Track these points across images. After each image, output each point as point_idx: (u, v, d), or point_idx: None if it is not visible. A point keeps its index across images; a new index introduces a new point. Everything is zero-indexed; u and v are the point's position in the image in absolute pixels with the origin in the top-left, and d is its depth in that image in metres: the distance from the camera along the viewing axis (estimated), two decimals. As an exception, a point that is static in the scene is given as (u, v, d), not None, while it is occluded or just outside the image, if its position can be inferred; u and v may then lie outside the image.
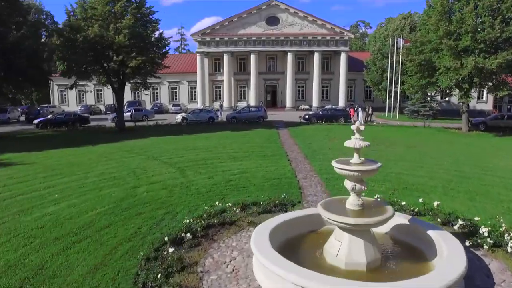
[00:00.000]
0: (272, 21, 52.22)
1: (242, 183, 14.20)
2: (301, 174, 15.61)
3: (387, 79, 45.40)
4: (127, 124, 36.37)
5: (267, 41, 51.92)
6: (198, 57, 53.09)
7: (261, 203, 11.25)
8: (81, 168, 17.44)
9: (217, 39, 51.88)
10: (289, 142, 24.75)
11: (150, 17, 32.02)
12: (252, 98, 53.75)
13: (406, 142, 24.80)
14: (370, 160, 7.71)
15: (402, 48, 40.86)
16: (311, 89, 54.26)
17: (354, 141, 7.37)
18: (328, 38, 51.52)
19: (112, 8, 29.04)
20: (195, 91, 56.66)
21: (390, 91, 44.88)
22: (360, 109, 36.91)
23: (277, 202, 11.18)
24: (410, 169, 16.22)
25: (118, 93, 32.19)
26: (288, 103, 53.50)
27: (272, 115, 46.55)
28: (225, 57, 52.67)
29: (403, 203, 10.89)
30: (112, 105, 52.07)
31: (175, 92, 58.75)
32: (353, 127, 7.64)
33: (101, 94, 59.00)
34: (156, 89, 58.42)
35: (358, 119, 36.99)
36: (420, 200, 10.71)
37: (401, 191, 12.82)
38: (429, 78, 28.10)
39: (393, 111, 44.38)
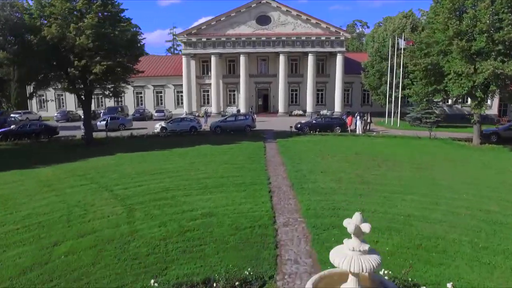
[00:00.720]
0: (263, 20, 48.62)
1: (202, 235, 10.64)
2: (282, 217, 12.07)
3: (386, 83, 41.88)
4: (101, 135, 32.73)
5: (257, 41, 48.32)
6: (184, 59, 49.39)
7: (214, 286, 7.70)
8: (5, 205, 13.80)
9: (204, 39, 48.23)
10: (275, 161, 21.18)
11: (122, 15, 28.39)
12: (242, 103, 50.15)
13: (413, 161, 21.24)
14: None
15: (403, 49, 37.35)
16: (305, 93, 50.71)
17: (350, 258, 3.80)
18: (323, 38, 47.96)
19: (73, 5, 25.37)
20: (182, 96, 52.97)
21: (390, 96, 41.36)
22: (358, 117, 33.37)
23: (237, 284, 7.64)
24: (423, 209, 12.66)
25: (84, 102, 28.51)
26: (281, 108, 49.92)
27: (263, 122, 42.99)
28: (213, 59, 49.02)
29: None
30: (93, 112, 48.29)
31: (161, 97, 55.04)
32: (349, 227, 4.10)
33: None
34: (140, 93, 54.75)
35: (356, 128, 33.52)
36: (449, 285, 7.08)
37: (415, 255, 9.26)
38: (436, 85, 24.58)
39: (393, 117, 40.88)
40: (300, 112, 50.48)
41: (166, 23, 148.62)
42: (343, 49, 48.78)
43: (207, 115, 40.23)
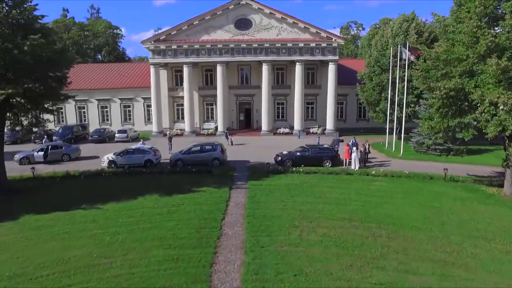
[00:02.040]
0: (243, 24, 41.79)
1: None
2: None
3: (386, 99, 35.27)
4: (39, 168, 25.81)
5: (236, 49, 41.50)
6: (152, 69, 42.50)
7: None
8: None
9: (174, 47, 41.37)
10: (233, 239, 14.54)
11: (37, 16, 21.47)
12: (220, 119, 43.38)
13: (433, 239, 14.56)
14: None
15: (411, 63, 30.79)
16: (293, 107, 44.06)
17: None
18: (312, 45, 41.22)
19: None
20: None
21: (391, 114, 34.80)
22: (354, 148, 26.65)
23: None
24: None
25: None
26: (264, 125, 43.15)
27: (241, 146, 36.26)
28: (185, 69, 42.17)
29: None
30: (45, 132, 41.33)
31: (129, 112, 48.13)
32: None
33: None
34: (106, 107, 47.81)
35: (353, 162, 26.65)
36: None
37: None
38: (460, 118, 17.95)
39: (395, 137, 34.20)
40: (287, 129, 43.77)
41: (160, 23, 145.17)
42: (336, 57, 42.07)
43: (170, 140, 33.31)
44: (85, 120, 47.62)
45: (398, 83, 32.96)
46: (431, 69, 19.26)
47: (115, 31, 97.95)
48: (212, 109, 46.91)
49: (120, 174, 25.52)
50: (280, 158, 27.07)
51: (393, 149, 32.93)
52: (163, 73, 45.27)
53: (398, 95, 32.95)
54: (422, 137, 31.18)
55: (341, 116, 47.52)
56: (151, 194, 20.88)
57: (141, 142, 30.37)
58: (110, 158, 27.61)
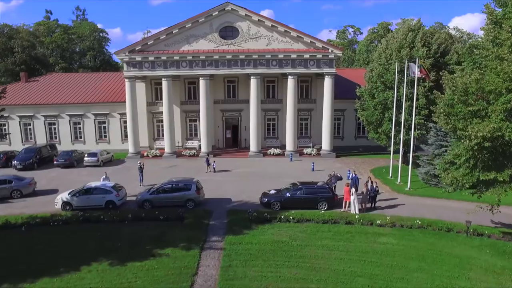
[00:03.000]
0: (229, 33, 37.35)
1: None
2: None
3: (390, 120, 31.00)
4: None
5: (221, 61, 37.05)
6: (127, 83, 37.96)
7: None
8: None
9: (152, 58, 36.87)
10: None
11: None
12: (204, 137, 38.94)
13: None
14: None
15: (418, 79, 26.63)
16: (285, 123, 39.75)
17: None
18: (306, 56, 36.84)
19: None
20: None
21: (396, 136, 30.55)
22: (354, 190, 22.25)
23: None
24: None
25: None
26: (253, 145, 38.74)
27: (225, 172, 31.85)
28: (164, 83, 37.67)
29: None
30: (5, 154, 36.74)
31: (104, 128, 43.52)
32: None
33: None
34: (78, 123, 43.14)
35: (352, 206, 22.25)
36: None
37: None
38: (496, 172, 13.66)
39: (400, 162, 29.88)
40: (278, 150, 39.36)
41: (157, 23, 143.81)
42: (333, 70, 37.71)
43: (141, 170, 28.74)
44: (55, 138, 42.97)
45: (404, 102, 28.70)
46: (456, 102, 14.92)
47: (101, 34, 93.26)
48: (195, 125, 42.39)
49: (72, 223, 20.93)
50: (266, 199, 22.63)
51: (399, 181, 28.60)
52: (141, 86, 40.80)
53: (404, 115, 28.67)
54: (432, 167, 26.87)
55: (337, 133, 43.15)
56: (100, 261, 16.40)
57: (104, 176, 25.91)
58: (65, 199, 23.09)
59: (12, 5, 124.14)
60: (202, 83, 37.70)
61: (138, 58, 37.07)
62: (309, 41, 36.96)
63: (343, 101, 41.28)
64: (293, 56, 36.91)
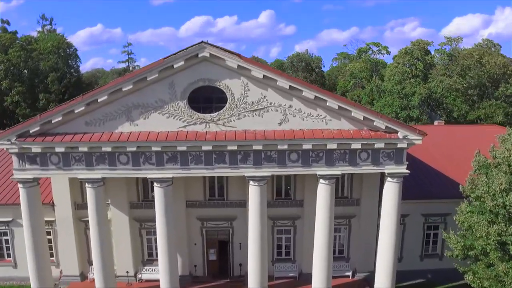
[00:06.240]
0: (206, 99, 19.76)
1: None
2: None
3: None
4: None
5: (194, 153, 19.53)
6: (22, 190, 20.49)
7: None
8: None
9: (61, 149, 19.44)
10: None
11: None
12: (165, 264, 21.48)
13: None
14: None
15: None
16: (306, 239, 22.71)
17: None
18: (355, 145, 19.29)
19: None
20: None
21: None
22: None
23: None
24: None
25: None
26: (254, 273, 21.28)
27: None
28: (90, 191, 20.24)
29: None
30: None
31: (6, 242, 26.13)
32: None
33: None
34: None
35: None
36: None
37: None
38: None
39: None
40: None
41: (159, 23, 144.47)
42: (403, 167, 20.04)
43: None
44: None
45: None
46: None
47: (68, 50, 75.88)
48: (156, 240, 24.70)
49: None
50: None
51: None
52: (63, 180, 23.29)
53: None
54: None
55: (401, 254, 25.58)
56: None
57: None
58: None
59: (13, 5, 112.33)
60: (158, 192, 20.11)
61: (36, 149, 19.50)
62: (361, 117, 19.22)
63: (404, 202, 23.61)
64: (331, 145, 19.25)
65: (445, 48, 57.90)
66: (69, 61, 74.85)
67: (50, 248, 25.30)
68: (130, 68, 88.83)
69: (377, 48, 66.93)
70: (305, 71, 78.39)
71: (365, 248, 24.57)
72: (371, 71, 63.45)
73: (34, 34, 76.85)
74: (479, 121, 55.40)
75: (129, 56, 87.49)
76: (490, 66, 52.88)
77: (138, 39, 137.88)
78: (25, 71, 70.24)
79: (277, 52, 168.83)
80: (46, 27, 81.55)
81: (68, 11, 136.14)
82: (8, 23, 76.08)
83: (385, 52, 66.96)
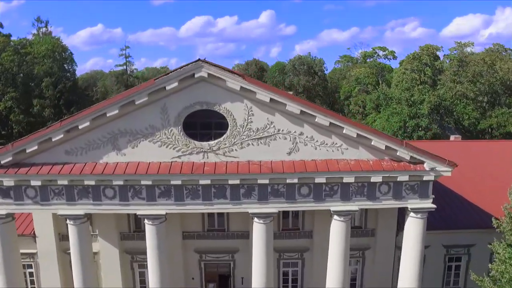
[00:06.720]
0: (204, 125, 17.29)
1: None
2: None
3: None
4: None
5: (190, 187, 17.06)
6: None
7: None
8: None
9: (37, 182, 16.99)
10: None
11: None
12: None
13: None
14: None
15: None
16: (317, 272, 20.25)
17: None
18: (375, 178, 16.81)
19: None
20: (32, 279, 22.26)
21: None
22: None
23: None
24: None
25: None
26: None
27: None
28: (71, 228, 17.79)
29: None
30: None
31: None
32: None
33: None
34: None
35: None
36: None
37: None
38: None
39: None
40: None
41: (159, 23, 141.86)
42: (428, 201, 17.57)
43: None
44: None
45: None
46: None
47: (64, 53, 73.37)
48: (147, 273, 22.19)
49: None
50: None
51: None
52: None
53: None
54: None
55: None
56: None
57: None
58: None
59: (14, 5, 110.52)
60: (149, 230, 17.62)
61: (9, 182, 16.98)
62: (382, 147, 16.68)
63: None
64: (347, 178, 16.71)
65: (455, 53, 55.27)
66: (65, 65, 72.32)
67: (32, 282, 23.00)
68: (128, 72, 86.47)
69: (384, 53, 64.06)
70: (307, 74, 75.83)
71: (379, 283, 22.17)
72: (377, 76, 60.84)
73: (30, 37, 74.42)
74: (491, 130, 52.85)
75: (127, 59, 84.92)
76: (503, 72, 50.32)
77: (138, 39, 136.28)
78: (20, 75, 67.81)
79: (277, 52, 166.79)
80: (41, 30, 78.97)
81: (68, 11, 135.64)
82: (1, 26, 73.36)
83: (391, 56, 64.16)
